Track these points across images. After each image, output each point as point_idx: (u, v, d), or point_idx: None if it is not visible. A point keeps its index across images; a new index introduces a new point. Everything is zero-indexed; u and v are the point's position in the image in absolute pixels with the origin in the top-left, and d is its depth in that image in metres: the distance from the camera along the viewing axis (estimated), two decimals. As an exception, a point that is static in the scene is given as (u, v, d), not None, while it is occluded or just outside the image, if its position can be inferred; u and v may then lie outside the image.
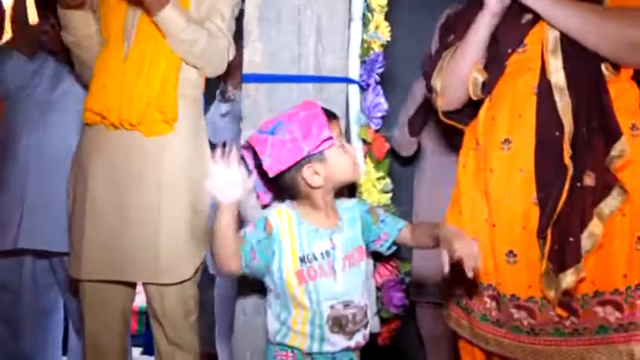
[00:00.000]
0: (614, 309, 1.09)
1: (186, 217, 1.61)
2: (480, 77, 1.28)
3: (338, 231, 1.25)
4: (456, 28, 1.39)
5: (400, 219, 1.34)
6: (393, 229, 1.31)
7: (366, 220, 1.30)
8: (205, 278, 2.45)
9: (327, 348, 1.21)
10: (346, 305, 1.22)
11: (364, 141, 1.49)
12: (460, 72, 1.30)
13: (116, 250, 1.57)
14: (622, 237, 1.11)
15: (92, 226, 1.59)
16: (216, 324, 2.45)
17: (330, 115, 1.27)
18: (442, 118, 1.40)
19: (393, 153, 2.25)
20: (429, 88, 1.39)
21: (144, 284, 1.65)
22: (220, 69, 1.71)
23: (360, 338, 1.25)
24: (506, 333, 1.20)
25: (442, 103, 1.37)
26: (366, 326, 1.26)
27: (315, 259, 1.21)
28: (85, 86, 1.75)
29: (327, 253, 1.22)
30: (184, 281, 1.61)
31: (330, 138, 1.21)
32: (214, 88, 2.40)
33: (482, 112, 1.29)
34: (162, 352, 1.66)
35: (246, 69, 1.47)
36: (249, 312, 1.43)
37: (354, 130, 1.49)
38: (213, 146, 2.45)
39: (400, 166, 2.31)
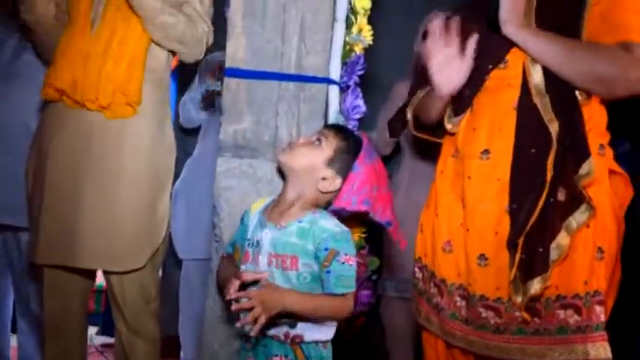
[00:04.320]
0: (574, 312, 1.17)
1: (144, 204, 1.61)
2: (453, 113, 1.36)
3: (272, 229, 1.27)
4: None
5: (341, 286, 1.22)
6: (326, 285, 1.23)
7: (320, 255, 1.23)
8: (172, 262, 2.47)
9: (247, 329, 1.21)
10: None
11: (342, 141, 1.53)
12: (426, 118, 1.43)
13: (71, 235, 1.56)
14: (585, 247, 1.19)
15: (49, 210, 1.57)
16: (180, 309, 2.46)
17: None
18: (414, 132, 1.49)
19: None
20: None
21: (103, 271, 1.65)
22: (198, 54, 1.71)
23: (278, 333, 1.24)
24: (474, 331, 1.26)
25: (413, 127, 1.48)
26: (291, 326, 1.24)
27: (251, 245, 1.28)
28: (46, 64, 1.72)
29: (258, 243, 1.27)
30: (141, 269, 1.62)
31: None
32: (188, 75, 2.37)
33: (463, 122, 1.35)
34: (123, 339, 1.68)
35: (229, 63, 1.48)
36: (220, 303, 1.45)
37: (332, 130, 1.52)
38: (184, 130, 2.49)
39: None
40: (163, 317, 1.80)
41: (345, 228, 1.28)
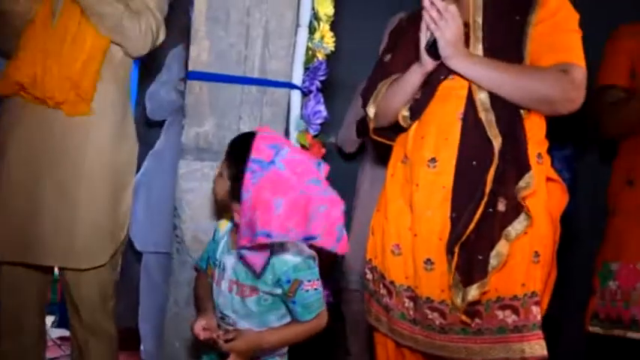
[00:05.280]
0: (512, 312, 1.26)
1: (105, 203, 1.61)
2: (409, 114, 1.40)
3: (235, 256, 1.27)
4: (395, 49, 1.48)
5: (308, 313, 1.25)
6: (294, 314, 1.26)
7: (284, 286, 1.23)
8: (131, 254, 2.47)
9: None
10: (221, 318, 1.29)
11: (302, 146, 1.57)
12: (391, 109, 1.42)
13: (30, 232, 1.55)
14: (523, 252, 1.27)
15: (6, 206, 1.56)
16: (140, 302, 2.47)
17: None
18: (372, 135, 1.52)
19: (337, 149, 2.37)
20: (364, 110, 1.49)
21: (59, 268, 1.65)
22: (143, 48, 1.66)
23: None
24: (421, 331, 1.34)
25: (374, 125, 1.49)
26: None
27: (218, 266, 1.30)
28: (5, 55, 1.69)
29: (223, 267, 1.29)
30: (101, 267, 1.62)
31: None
32: (150, 68, 2.36)
33: (412, 130, 1.40)
34: (78, 337, 1.68)
35: (192, 66, 1.50)
36: (182, 304, 1.49)
37: (293, 134, 1.57)
38: (147, 123, 2.47)
39: (344, 162, 2.42)
40: (123, 309, 1.81)
41: (308, 252, 1.25)
